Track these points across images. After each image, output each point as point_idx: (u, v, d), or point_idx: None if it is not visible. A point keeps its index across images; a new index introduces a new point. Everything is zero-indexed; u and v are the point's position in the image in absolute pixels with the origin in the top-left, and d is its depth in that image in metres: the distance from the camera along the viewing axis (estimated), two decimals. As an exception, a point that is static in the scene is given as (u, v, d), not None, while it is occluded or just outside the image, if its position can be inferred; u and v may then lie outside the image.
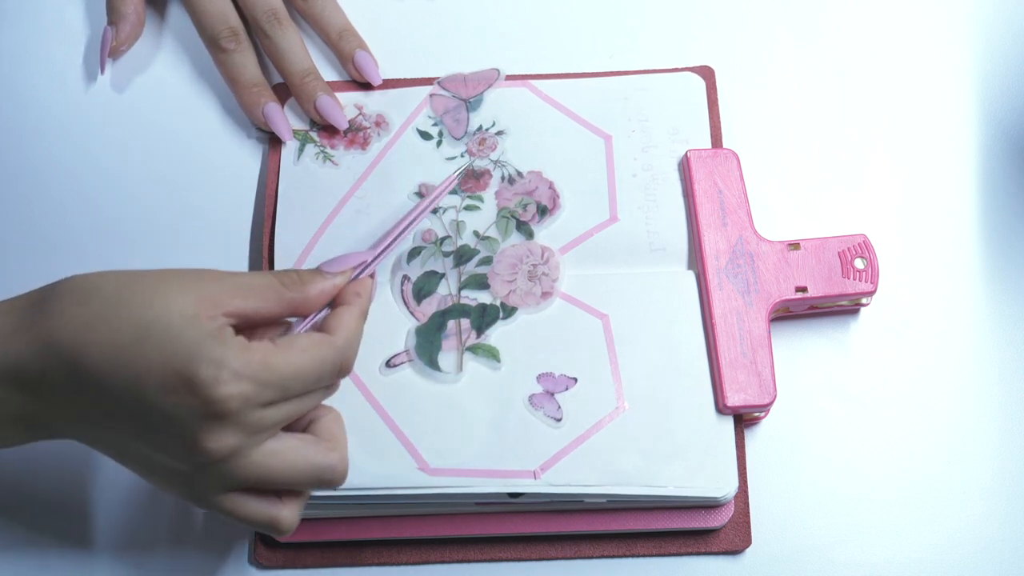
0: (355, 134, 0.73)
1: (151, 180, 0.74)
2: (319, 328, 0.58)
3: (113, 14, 0.75)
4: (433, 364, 0.66)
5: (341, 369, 0.57)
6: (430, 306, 0.68)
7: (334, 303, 0.59)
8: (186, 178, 0.74)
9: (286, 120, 0.73)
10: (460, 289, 0.69)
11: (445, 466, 0.63)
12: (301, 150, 0.73)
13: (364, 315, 0.59)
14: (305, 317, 0.59)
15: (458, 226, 0.70)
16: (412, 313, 0.68)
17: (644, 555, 0.65)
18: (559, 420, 0.65)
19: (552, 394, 0.65)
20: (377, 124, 0.73)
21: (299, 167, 0.72)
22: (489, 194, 0.71)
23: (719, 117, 0.74)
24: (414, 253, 0.70)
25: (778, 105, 0.75)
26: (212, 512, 0.57)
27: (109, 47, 0.75)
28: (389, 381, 0.66)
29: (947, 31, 0.77)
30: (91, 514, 0.66)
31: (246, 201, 0.73)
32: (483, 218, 0.71)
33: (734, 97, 0.75)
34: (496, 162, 0.72)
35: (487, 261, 0.69)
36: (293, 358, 0.54)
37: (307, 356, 0.55)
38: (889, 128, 0.75)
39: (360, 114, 0.74)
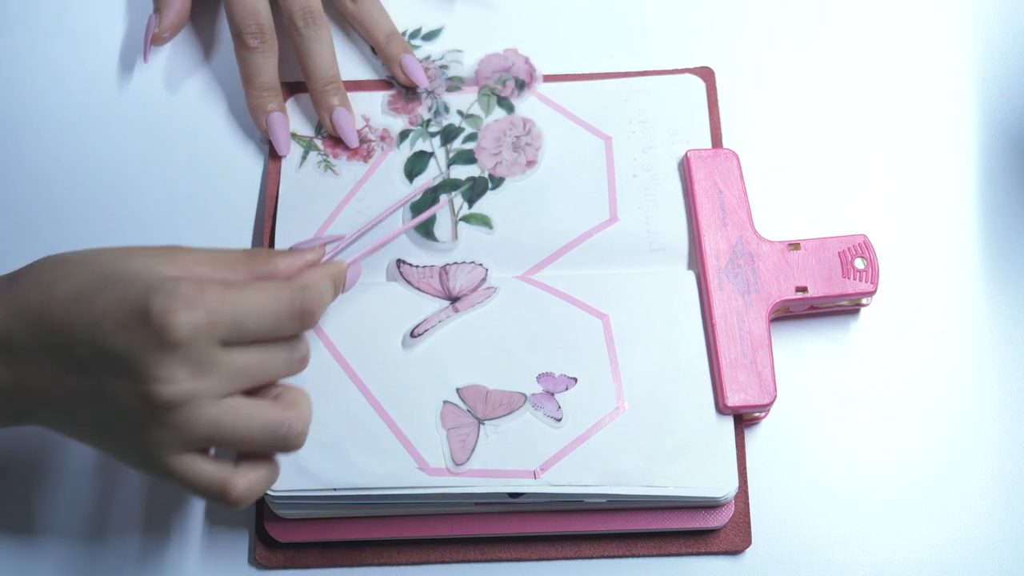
0: (360, 146, 0.74)
1: (153, 180, 0.74)
2: None
3: (158, 0, 0.75)
4: (430, 235, 0.70)
5: (302, 313, 0.56)
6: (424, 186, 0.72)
7: None
8: (188, 178, 0.74)
9: (287, 133, 0.73)
10: (449, 165, 0.72)
11: (445, 466, 0.63)
12: (304, 157, 0.73)
13: (332, 279, 0.59)
14: None
15: (443, 106, 0.74)
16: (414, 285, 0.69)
17: (644, 555, 0.65)
18: (559, 420, 0.65)
19: (552, 394, 0.65)
20: (382, 139, 0.74)
21: (301, 174, 0.73)
22: (469, 74, 0.75)
23: (719, 118, 0.74)
24: (403, 135, 0.73)
25: (778, 105, 0.75)
26: (167, 480, 0.55)
27: (152, 34, 0.75)
28: (389, 381, 0.66)
29: (947, 31, 0.77)
30: (90, 513, 0.66)
31: (249, 201, 0.74)
32: (465, 97, 0.74)
33: (734, 97, 0.75)
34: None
35: (472, 137, 0.72)
36: (248, 293, 0.54)
37: (262, 292, 0.55)
38: (889, 128, 0.75)
39: (367, 126, 0.74)
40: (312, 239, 0.63)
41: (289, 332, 0.56)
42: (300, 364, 0.57)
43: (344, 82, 0.75)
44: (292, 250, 0.60)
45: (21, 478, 0.67)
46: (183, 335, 0.52)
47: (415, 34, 0.77)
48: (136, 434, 0.54)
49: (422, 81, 0.75)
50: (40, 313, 0.54)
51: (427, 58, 0.76)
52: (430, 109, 0.74)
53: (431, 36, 0.77)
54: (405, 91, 0.75)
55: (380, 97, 0.75)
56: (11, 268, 0.72)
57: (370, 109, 0.75)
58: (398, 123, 0.74)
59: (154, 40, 0.75)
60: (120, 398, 0.53)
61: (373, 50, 0.77)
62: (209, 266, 0.56)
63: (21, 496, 0.67)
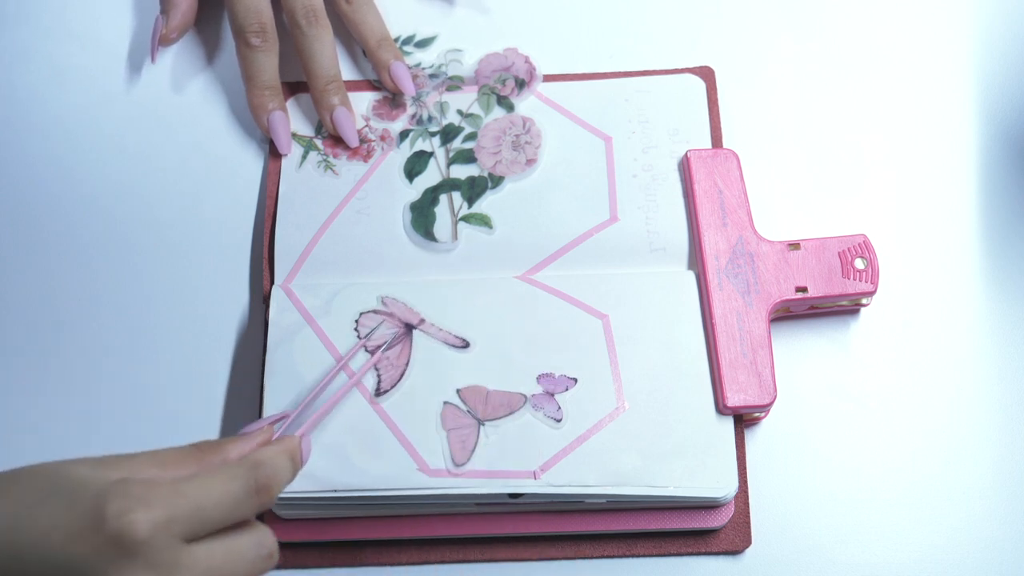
0: (360, 146, 0.74)
1: (153, 179, 0.74)
2: None
3: (164, 2, 0.75)
4: (429, 236, 0.70)
5: (258, 489, 0.53)
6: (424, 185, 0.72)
7: None
8: (189, 178, 0.74)
9: (288, 132, 0.73)
10: (449, 165, 0.72)
11: (445, 467, 0.63)
12: (304, 157, 0.73)
13: (288, 453, 0.56)
14: None
15: (442, 107, 0.74)
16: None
17: (644, 555, 0.65)
18: (559, 420, 0.65)
19: (552, 394, 0.65)
20: (382, 139, 0.74)
21: (301, 173, 0.73)
22: (469, 74, 0.75)
23: (719, 117, 0.74)
24: (403, 135, 0.73)
25: (778, 105, 0.75)
26: None
27: (159, 35, 0.75)
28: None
29: (947, 31, 0.77)
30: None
31: (249, 201, 0.74)
32: (465, 96, 0.74)
33: (734, 97, 0.75)
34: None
35: (472, 136, 0.73)
36: (201, 481, 0.51)
37: (216, 478, 0.52)
38: (889, 128, 0.75)
39: (367, 126, 0.74)
40: (256, 422, 0.59)
41: (249, 512, 0.53)
42: (268, 561, 0.54)
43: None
44: (240, 436, 0.57)
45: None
46: (142, 536, 0.48)
47: (408, 40, 0.77)
48: None
49: (408, 89, 0.75)
50: None
51: (417, 65, 0.76)
52: (413, 117, 0.74)
53: (424, 44, 0.77)
54: (392, 97, 0.75)
55: (366, 100, 0.75)
56: (11, 268, 0.72)
57: (357, 110, 0.75)
58: (397, 123, 0.74)
59: (161, 41, 0.75)
60: None
61: (364, 52, 0.77)
62: (157, 467, 0.52)
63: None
